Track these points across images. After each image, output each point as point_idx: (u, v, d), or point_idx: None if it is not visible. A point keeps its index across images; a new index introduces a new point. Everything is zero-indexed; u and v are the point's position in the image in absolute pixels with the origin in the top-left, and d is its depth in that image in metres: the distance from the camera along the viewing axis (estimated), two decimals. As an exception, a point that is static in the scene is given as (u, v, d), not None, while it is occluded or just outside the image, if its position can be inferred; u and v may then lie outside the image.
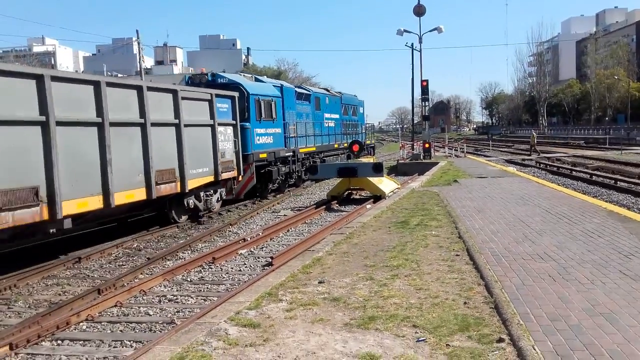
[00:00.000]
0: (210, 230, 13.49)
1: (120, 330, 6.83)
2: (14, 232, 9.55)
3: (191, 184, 14.05)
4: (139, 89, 12.25)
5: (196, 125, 14.53)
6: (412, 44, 36.64)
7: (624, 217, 10.26)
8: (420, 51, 34.99)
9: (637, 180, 20.80)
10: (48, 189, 9.58)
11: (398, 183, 20.37)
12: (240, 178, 17.37)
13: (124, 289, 8.35)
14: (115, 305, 7.76)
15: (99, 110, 10.91)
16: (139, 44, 40.78)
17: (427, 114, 36.42)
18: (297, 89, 24.63)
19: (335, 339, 4.79)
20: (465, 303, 5.60)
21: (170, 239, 13.13)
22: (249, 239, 11.89)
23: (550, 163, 31.08)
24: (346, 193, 18.98)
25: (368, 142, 37.99)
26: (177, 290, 8.61)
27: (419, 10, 33.54)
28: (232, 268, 9.82)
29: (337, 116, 30.13)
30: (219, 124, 15.68)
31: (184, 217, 15.00)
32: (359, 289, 6.27)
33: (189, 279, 9.18)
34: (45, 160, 9.58)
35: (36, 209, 9.29)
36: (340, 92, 32.97)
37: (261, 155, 19.23)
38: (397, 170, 30.22)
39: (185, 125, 13.79)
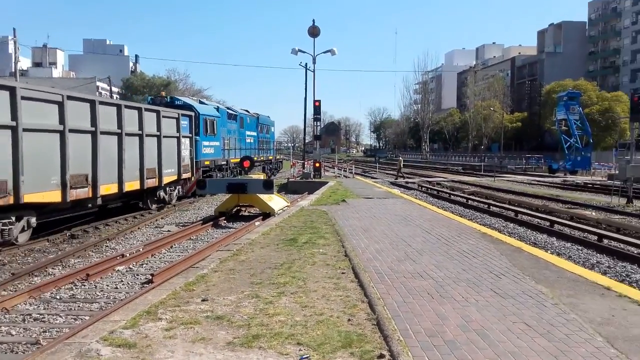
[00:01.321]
0: (85, 245, 12.66)
1: (-24, 354, 6.14)
2: (73, 204, 13.95)
3: (165, 180, 19.01)
4: (139, 109, 17.30)
5: (169, 136, 19.40)
6: (306, 64, 37.26)
7: (495, 239, 10.98)
8: (313, 71, 35.67)
9: (507, 205, 22.47)
10: (93, 176, 14.32)
11: (288, 201, 20.44)
12: (192, 179, 22.09)
13: (-18, 307, 7.56)
14: (-29, 326, 6.99)
15: (119, 124, 15.78)
16: (15, 43, 37.67)
17: (318, 133, 37.12)
18: (228, 111, 30.02)
19: (217, 358, 4.62)
20: (349, 320, 5.65)
21: (39, 254, 12.14)
22: (127, 254, 11.28)
23: (431, 187, 32.77)
24: (235, 209, 18.70)
25: (278, 157, 45.83)
26: (44, 309, 7.94)
27: (314, 31, 34.25)
28: (107, 285, 9.24)
29: (255, 134, 36.07)
30: (182, 136, 20.58)
31: (154, 206, 19.41)
32: (244, 306, 6.13)
33: (58, 297, 8.50)
34: (92, 156, 14.30)
35: (86, 189, 14.12)
36: (257, 113, 38.05)
37: (206, 162, 24.49)
38: (288, 188, 30.38)
39: (163, 137, 18.72)
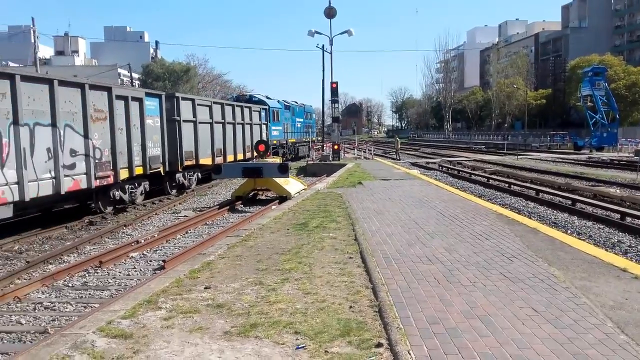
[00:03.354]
0: (101, 232, 12.76)
1: (-15, 343, 6.21)
2: (215, 166, 19.28)
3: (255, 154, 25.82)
4: (242, 107, 26.82)
5: (256, 124, 29.02)
6: (323, 46, 36.95)
7: (511, 220, 10.73)
8: (330, 53, 35.40)
9: (529, 185, 22.03)
10: (223, 150, 23.94)
11: (305, 184, 20.35)
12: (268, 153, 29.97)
13: (-6, 296, 7.66)
14: (-17, 315, 7.08)
15: (233, 117, 25.18)
16: (34, 32, 37.92)
17: (338, 115, 36.84)
18: (285, 103, 39.41)
19: (212, 348, 4.56)
20: (350, 307, 5.54)
21: (56, 241, 12.29)
22: (142, 241, 11.34)
23: (452, 167, 32.33)
24: (252, 193, 18.69)
25: (320, 138, 55.01)
26: (55, 297, 8.02)
27: (330, 12, 33.87)
28: (120, 272, 9.29)
29: (302, 120, 45.44)
30: (262, 124, 30.18)
31: None
32: (246, 294, 6.06)
33: (70, 285, 8.58)
34: (223, 137, 23.77)
35: (221, 157, 23.47)
36: (303, 104, 47.65)
37: (274, 142, 33.51)
38: (307, 171, 30.34)
39: (254, 124, 28.43)
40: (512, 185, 21.80)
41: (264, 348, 4.55)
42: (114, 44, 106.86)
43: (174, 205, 17.72)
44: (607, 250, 10.55)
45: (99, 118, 14.77)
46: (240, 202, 17.46)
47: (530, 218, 13.96)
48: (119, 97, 15.71)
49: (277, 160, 21.09)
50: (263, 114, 30.49)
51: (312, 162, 33.02)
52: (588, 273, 6.70)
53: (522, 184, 22.40)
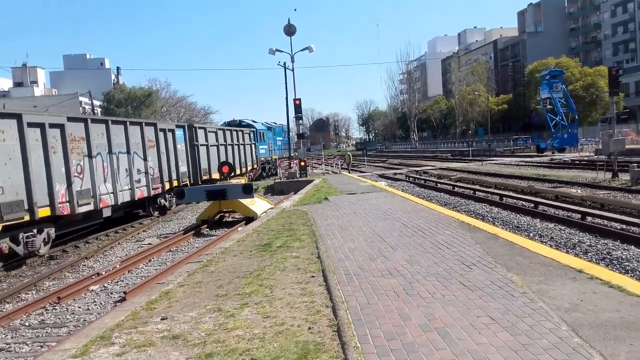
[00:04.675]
0: (61, 266, 12.42)
1: None
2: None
3: (248, 168, 33.19)
4: (236, 131, 31.72)
5: (247, 144, 33.79)
6: (285, 63, 37.09)
7: (473, 227, 10.81)
8: (292, 70, 35.53)
9: (493, 190, 22.35)
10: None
11: (271, 203, 20.25)
12: (257, 168, 36.87)
13: (-57, 342, 7.37)
14: None
15: (231, 139, 30.23)
16: (-12, 64, 37.17)
17: (303, 132, 36.99)
18: (267, 124, 46.50)
19: (165, 383, 4.43)
20: (309, 328, 5.47)
21: (15, 279, 11.92)
22: (103, 272, 11.07)
23: (418, 177, 32.62)
24: (218, 216, 18.50)
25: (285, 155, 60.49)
26: (11, 338, 7.75)
27: (289, 30, 34.05)
28: (79, 307, 9.05)
29: (281, 138, 53.18)
30: (252, 144, 35.18)
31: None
32: (204, 322, 5.93)
33: (27, 324, 8.32)
34: (225, 156, 28.49)
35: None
36: (282, 124, 55.80)
37: (262, 159, 39.56)
38: (274, 190, 30.20)
39: (246, 145, 33.23)
40: (476, 192, 22.08)
41: (219, 378, 4.44)
42: (74, 72, 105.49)
43: (138, 234, 17.40)
44: (567, 251, 10.76)
45: (150, 146, 20.27)
46: (206, 225, 17.26)
47: (494, 223, 14.16)
48: (161, 129, 21.36)
49: (242, 181, 20.95)
50: (252, 135, 35.87)
51: (279, 180, 32.89)
52: (545, 276, 6.77)
53: (486, 189, 22.70)
